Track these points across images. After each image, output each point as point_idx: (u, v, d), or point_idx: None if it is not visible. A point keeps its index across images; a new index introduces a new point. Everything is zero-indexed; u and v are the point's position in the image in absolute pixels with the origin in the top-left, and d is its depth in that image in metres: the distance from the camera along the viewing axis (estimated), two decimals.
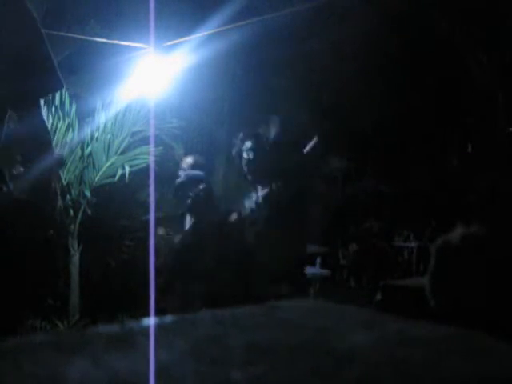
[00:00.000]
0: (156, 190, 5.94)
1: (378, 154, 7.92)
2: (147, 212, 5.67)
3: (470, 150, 8.04)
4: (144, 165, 5.13)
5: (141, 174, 5.22)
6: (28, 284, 1.55)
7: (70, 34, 5.66)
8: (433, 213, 7.66)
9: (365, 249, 7.70)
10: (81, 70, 6.11)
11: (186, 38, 5.10)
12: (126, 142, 5.12)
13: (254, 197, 2.85)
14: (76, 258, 4.99)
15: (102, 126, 5.04)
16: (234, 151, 2.97)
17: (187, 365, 0.45)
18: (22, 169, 1.51)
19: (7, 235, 1.45)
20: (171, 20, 5.37)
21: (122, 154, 5.12)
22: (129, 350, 0.48)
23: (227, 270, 2.73)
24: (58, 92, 4.94)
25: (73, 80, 5.85)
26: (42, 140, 1.58)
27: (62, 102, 4.94)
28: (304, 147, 3.41)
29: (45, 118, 1.70)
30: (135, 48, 5.24)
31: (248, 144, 2.85)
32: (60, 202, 4.96)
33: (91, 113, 5.07)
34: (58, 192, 4.96)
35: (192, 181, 3.44)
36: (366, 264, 7.46)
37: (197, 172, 3.64)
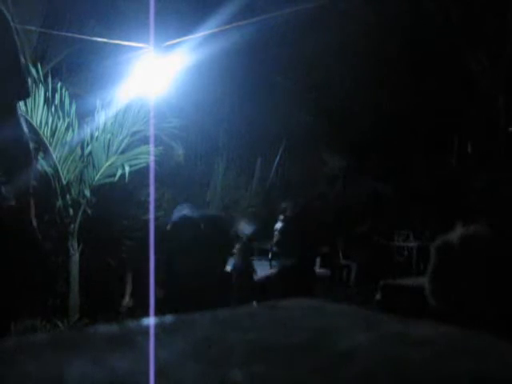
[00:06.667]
0: (156, 189, 5.95)
1: (377, 154, 7.92)
2: (147, 212, 5.67)
3: (469, 149, 8.04)
4: (144, 165, 5.13)
5: (141, 174, 5.22)
6: (24, 284, 1.55)
7: (70, 34, 5.66)
8: (433, 213, 7.66)
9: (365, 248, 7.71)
10: (81, 70, 6.11)
11: (186, 38, 5.10)
12: (125, 142, 5.12)
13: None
14: (76, 257, 4.99)
15: (101, 126, 5.04)
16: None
17: (186, 364, 0.45)
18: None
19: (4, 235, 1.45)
20: (171, 20, 5.36)
21: (121, 153, 5.12)
22: (128, 349, 0.48)
23: None
24: (58, 92, 4.95)
25: (73, 80, 5.85)
26: (18, 152, 1.56)
27: (61, 102, 4.94)
28: None
29: (24, 126, 1.65)
30: (135, 48, 5.24)
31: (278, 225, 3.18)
32: (60, 202, 4.96)
33: (91, 112, 5.07)
34: (58, 191, 4.96)
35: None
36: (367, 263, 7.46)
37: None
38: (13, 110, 1.55)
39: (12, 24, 1.52)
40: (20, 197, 1.51)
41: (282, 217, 3.21)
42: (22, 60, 1.58)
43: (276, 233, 3.18)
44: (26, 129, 1.61)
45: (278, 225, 3.19)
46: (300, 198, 7.10)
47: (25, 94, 1.71)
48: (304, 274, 3.05)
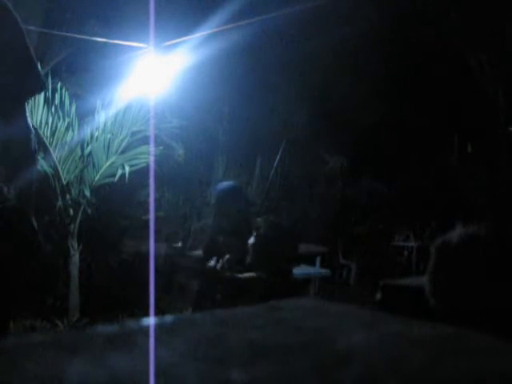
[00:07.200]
0: (156, 189, 5.95)
1: (378, 153, 7.92)
2: (147, 212, 5.67)
3: (470, 149, 8.04)
4: (144, 165, 5.13)
5: (141, 174, 5.23)
6: (24, 284, 1.55)
7: (70, 34, 5.66)
8: (433, 213, 7.66)
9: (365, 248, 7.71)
10: (81, 70, 6.11)
11: (186, 38, 5.10)
12: (125, 142, 5.12)
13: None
14: (76, 257, 5.00)
15: (101, 126, 5.04)
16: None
17: (186, 364, 0.45)
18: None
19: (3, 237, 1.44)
20: (171, 20, 5.36)
21: (121, 153, 5.12)
22: (128, 349, 0.48)
23: None
24: (58, 92, 4.96)
25: (73, 80, 5.85)
26: (24, 148, 1.55)
27: (61, 102, 4.94)
28: None
29: (30, 122, 1.64)
30: (135, 48, 5.24)
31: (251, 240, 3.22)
32: (60, 202, 4.97)
33: (91, 112, 5.07)
34: (58, 191, 4.97)
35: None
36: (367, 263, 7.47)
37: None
38: (23, 108, 1.55)
39: (20, 22, 1.53)
40: (22, 197, 1.51)
41: (255, 233, 3.23)
42: (33, 54, 1.58)
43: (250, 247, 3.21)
44: (32, 128, 1.61)
45: (251, 240, 3.21)
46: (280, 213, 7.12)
47: (40, 88, 1.71)
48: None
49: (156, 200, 5.96)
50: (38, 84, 1.61)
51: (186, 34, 5.10)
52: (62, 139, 4.91)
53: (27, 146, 1.56)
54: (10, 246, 1.45)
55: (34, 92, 1.68)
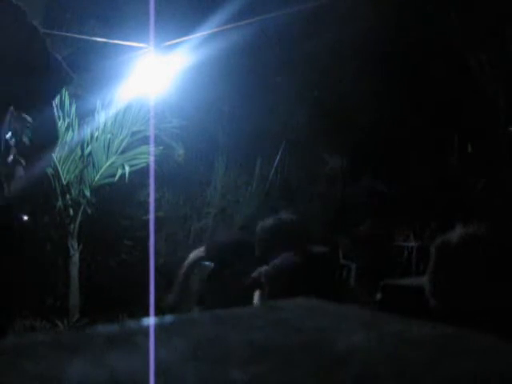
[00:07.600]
0: (156, 189, 5.95)
1: (378, 153, 7.92)
2: (147, 212, 5.67)
3: (470, 149, 8.04)
4: (144, 165, 5.14)
5: (141, 174, 5.23)
6: (24, 284, 1.55)
7: (69, 34, 5.66)
8: (433, 213, 7.66)
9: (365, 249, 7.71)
10: (81, 70, 6.10)
11: (186, 38, 5.10)
12: (125, 142, 5.13)
13: None
14: (76, 257, 5.00)
15: (101, 126, 5.05)
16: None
17: (186, 364, 0.45)
18: (22, 171, 1.50)
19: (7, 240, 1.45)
20: (171, 20, 5.36)
21: (121, 153, 5.12)
22: (128, 349, 0.48)
23: None
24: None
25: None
26: (48, 140, 1.58)
27: (61, 102, 4.94)
28: None
29: (56, 116, 1.69)
30: (135, 48, 5.24)
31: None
32: (60, 202, 4.97)
33: (91, 112, 5.07)
34: (58, 191, 4.97)
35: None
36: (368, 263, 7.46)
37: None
38: (48, 101, 1.57)
39: (32, 20, 1.54)
40: (26, 196, 1.52)
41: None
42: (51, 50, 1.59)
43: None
44: (57, 120, 1.65)
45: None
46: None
47: (66, 82, 1.75)
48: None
49: (156, 200, 5.96)
50: (63, 78, 1.63)
51: (186, 34, 5.09)
52: (62, 139, 4.91)
53: (53, 135, 1.58)
54: (10, 248, 1.46)
55: (59, 87, 1.70)
